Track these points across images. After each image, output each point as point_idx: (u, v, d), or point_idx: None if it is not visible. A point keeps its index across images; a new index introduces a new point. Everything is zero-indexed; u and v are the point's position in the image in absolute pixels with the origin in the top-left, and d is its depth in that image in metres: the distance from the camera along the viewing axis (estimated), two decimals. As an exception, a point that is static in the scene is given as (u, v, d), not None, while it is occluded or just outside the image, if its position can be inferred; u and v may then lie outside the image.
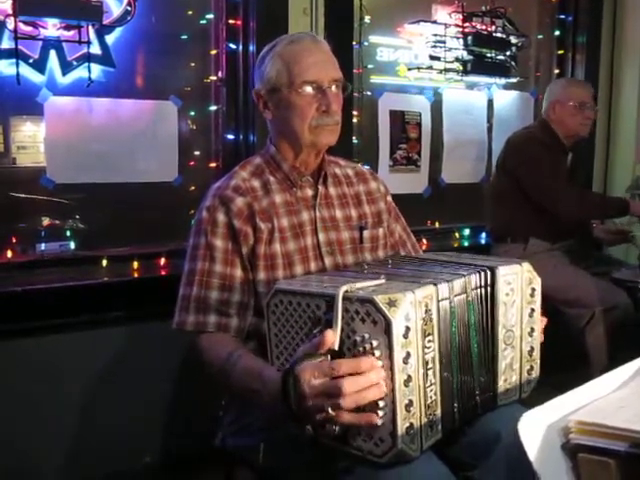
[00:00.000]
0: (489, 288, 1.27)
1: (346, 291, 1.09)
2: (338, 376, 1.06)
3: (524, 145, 2.98)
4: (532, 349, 1.35)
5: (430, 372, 1.12)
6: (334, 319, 1.09)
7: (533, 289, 1.33)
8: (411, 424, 1.09)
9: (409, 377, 1.08)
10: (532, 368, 1.35)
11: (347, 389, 1.04)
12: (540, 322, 1.36)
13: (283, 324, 1.20)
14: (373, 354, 1.07)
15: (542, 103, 3.18)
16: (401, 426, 1.07)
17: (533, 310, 1.34)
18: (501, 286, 1.27)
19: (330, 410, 1.06)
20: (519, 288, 1.30)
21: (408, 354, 1.07)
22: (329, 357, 1.09)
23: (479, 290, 1.26)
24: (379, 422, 1.07)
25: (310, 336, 1.14)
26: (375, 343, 1.06)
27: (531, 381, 1.35)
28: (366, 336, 1.07)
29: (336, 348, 1.08)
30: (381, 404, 1.07)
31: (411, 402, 1.08)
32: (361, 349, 1.08)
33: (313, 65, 1.53)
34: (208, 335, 1.50)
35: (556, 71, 3.75)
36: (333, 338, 1.08)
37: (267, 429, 1.39)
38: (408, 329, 1.07)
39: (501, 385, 1.30)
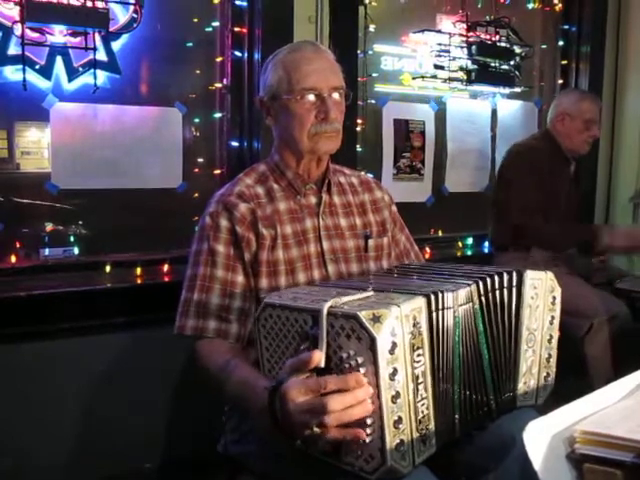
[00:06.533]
0: (515, 289, 1.28)
1: (331, 306, 1.08)
2: (325, 393, 1.05)
3: (513, 161, 2.96)
4: (550, 356, 1.36)
5: (421, 386, 1.11)
6: (319, 336, 1.08)
7: (554, 297, 1.35)
8: (401, 440, 1.07)
9: (397, 393, 1.06)
10: (548, 375, 1.37)
11: (332, 406, 1.03)
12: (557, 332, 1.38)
13: (273, 338, 1.19)
14: (359, 371, 1.05)
15: (547, 112, 3.17)
16: (390, 443, 1.05)
17: (553, 318, 1.36)
18: (528, 288, 1.29)
19: (315, 427, 1.05)
20: (543, 294, 1.32)
21: (395, 370, 1.05)
22: (315, 375, 1.08)
23: (504, 291, 1.27)
24: (367, 439, 1.06)
25: (298, 352, 1.13)
26: (360, 360, 1.05)
27: (547, 387, 1.37)
28: (351, 352, 1.05)
29: (322, 366, 1.07)
30: (368, 421, 1.05)
31: (400, 419, 1.07)
32: (347, 366, 1.06)
33: (312, 73, 1.55)
34: (207, 341, 1.51)
35: (560, 81, 3.75)
36: (319, 358, 1.07)
37: (269, 437, 1.39)
38: (395, 344, 1.05)
39: (521, 387, 1.31)
